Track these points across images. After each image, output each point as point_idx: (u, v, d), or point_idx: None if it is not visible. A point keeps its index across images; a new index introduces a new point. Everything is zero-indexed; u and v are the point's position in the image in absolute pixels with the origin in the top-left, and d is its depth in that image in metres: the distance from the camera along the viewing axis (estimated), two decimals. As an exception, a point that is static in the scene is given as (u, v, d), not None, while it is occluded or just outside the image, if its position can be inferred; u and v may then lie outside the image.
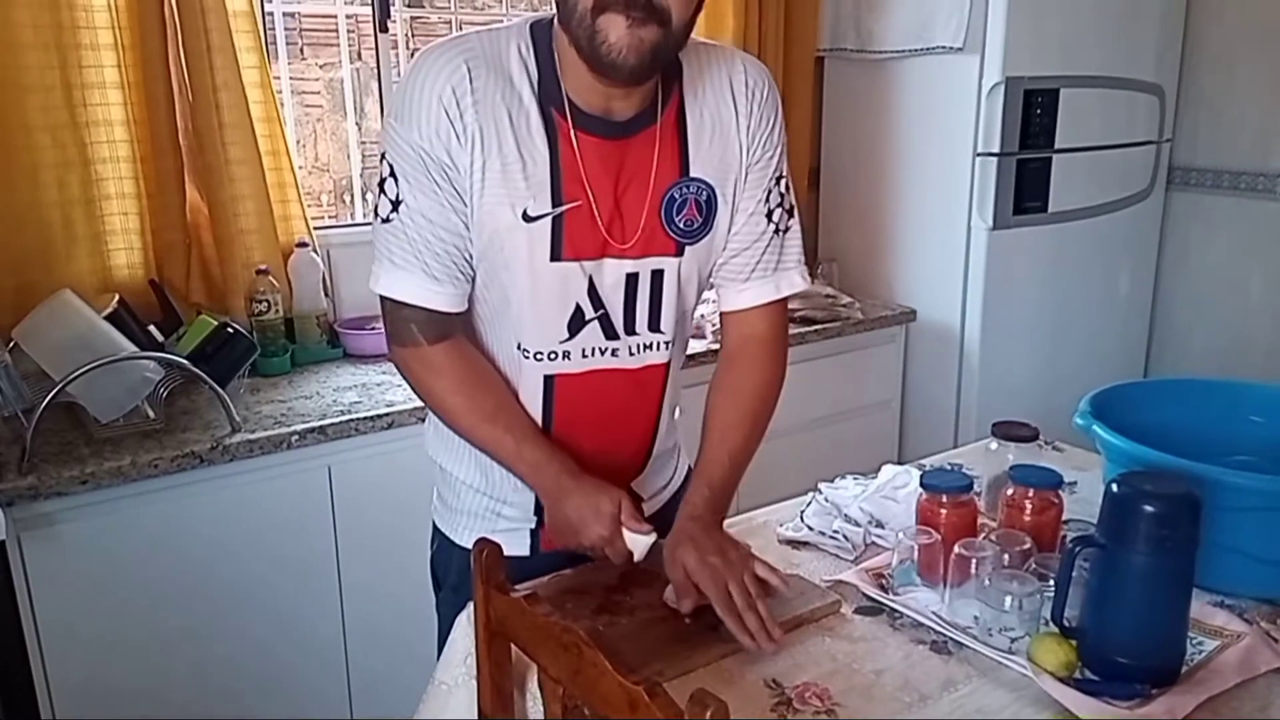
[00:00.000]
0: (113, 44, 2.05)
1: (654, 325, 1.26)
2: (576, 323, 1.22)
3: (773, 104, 1.26)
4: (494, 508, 1.33)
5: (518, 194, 1.15)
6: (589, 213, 1.17)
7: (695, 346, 2.40)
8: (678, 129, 1.21)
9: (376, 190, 1.19)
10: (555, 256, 1.18)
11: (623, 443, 1.32)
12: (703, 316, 2.52)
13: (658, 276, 1.24)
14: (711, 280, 1.33)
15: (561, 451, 1.24)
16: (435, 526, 1.42)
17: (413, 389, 1.27)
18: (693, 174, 1.22)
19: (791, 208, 1.32)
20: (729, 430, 1.29)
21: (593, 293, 1.21)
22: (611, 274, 1.21)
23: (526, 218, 1.16)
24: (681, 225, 1.23)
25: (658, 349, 1.28)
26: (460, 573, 1.33)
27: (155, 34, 2.05)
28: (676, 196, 1.21)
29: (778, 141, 1.28)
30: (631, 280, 1.23)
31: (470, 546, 1.32)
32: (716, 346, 2.40)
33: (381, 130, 1.22)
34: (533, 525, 1.33)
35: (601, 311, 1.23)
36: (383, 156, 1.18)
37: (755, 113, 1.24)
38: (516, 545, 1.32)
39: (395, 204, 1.16)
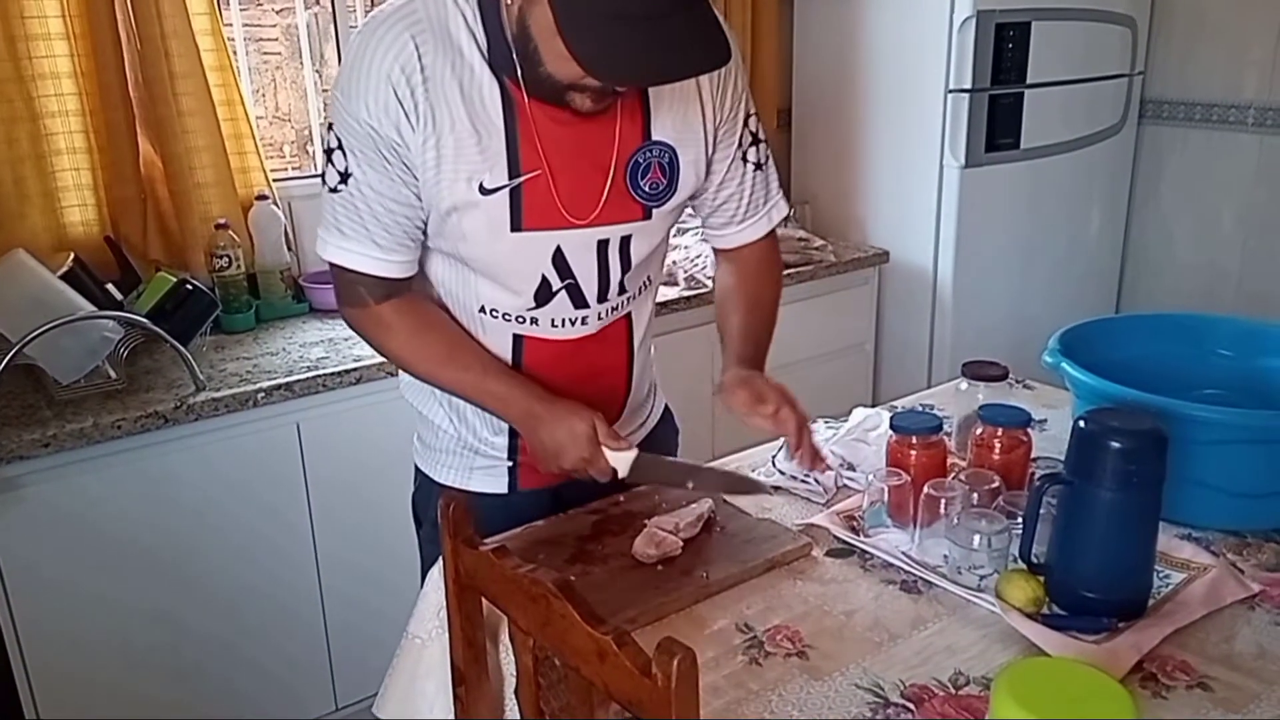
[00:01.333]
0: (54, -8, 1.98)
1: (623, 289, 1.26)
2: (544, 293, 1.21)
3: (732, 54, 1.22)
4: (472, 445, 1.33)
5: (474, 167, 1.13)
6: (547, 184, 1.15)
7: (667, 294, 2.38)
8: (640, 91, 1.17)
9: (324, 158, 1.17)
10: (516, 227, 1.16)
11: (598, 397, 1.31)
12: (674, 264, 2.50)
13: (626, 242, 1.22)
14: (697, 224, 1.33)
15: (527, 379, 1.23)
16: (416, 467, 1.41)
17: (367, 343, 1.27)
18: (655, 137, 1.20)
19: (758, 133, 1.31)
20: (750, 311, 1.35)
21: (559, 261, 1.20)
22: (581, 242, 1.19)
23: (483, 190, 1.14)
24: (647, 189, 1.21)
25: (623, 308, 1.28)
26: None
27: (99, -18, 1.98)
28: (640, 161, 1.19)
29: (741, 89, 1.26)
30: (603, 247, 1.21)
31: (450, 484, 1.32)
32: (689, 294, 2.41)
33: (329, 99, 1.18)
34: (510, 464, 1.33)
35: (570, 280, 1.21)
36: (330, 126, 1.15)
37: (717, 73, 1.20)
38: (495, 483, 1.33)
39: (344, 176, 1.15)
